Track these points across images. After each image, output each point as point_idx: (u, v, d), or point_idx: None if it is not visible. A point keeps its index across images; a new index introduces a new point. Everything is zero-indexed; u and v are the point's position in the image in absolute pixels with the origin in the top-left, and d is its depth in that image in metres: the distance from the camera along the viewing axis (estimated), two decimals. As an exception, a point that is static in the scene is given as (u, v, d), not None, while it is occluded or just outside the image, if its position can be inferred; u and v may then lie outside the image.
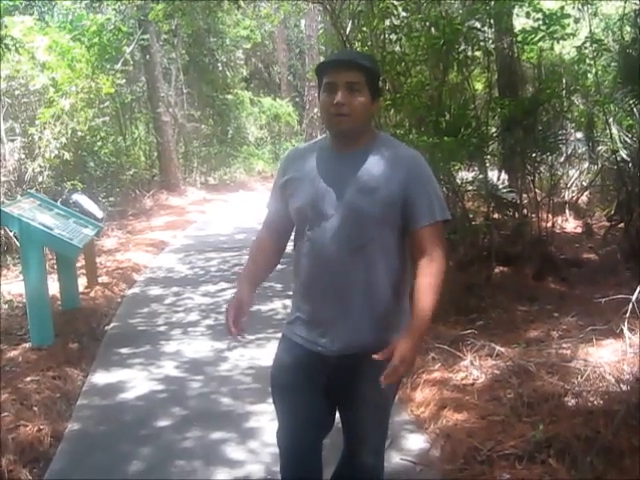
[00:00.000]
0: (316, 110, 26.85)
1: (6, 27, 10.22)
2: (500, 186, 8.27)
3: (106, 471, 4.01)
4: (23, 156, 11.14)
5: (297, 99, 31.12)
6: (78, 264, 8.42)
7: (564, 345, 5.20)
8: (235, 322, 2.68)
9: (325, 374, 2.65)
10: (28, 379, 5.34)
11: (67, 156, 11.57)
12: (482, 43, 7.46)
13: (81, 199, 10.71)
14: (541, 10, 7.17)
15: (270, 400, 2.83)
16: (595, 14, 11.58)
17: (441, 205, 2.60)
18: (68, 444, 4.42)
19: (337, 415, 2.81)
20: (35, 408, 4.81)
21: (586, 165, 11.92)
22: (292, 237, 2.78)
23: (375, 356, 2.42)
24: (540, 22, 7.05)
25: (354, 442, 2.80)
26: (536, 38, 7.23)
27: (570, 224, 10.18)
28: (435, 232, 2.57)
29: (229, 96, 24.78)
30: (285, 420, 2.74)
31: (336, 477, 2.94)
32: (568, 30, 7.27)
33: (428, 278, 2.51)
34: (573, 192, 10.96)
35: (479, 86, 9.18)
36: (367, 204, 2.50)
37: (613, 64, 9.77)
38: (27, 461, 4.11)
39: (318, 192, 2.56)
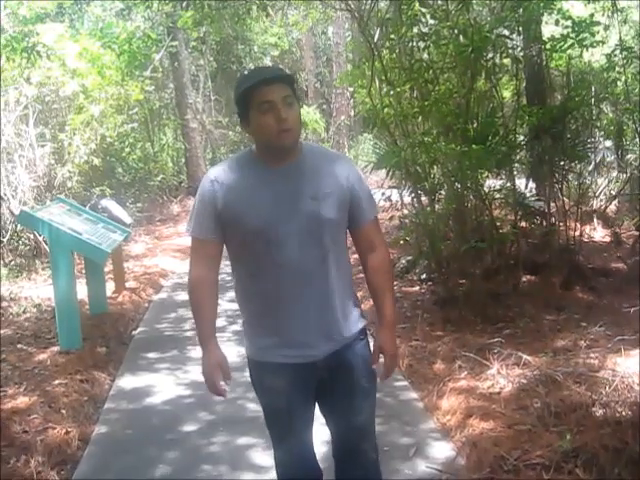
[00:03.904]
0: (343, 117, 26.85)
1: (38, 34, 10.33)
2: (528, 194, 8.23)
3: (132, 474, 4.04)
4: (53, 161, 11.26)
5: (324, 106, 31.14)
6: (106, 269, 8.49)
7: (592, 355, 5.16)
8: (219, 384, 2.69)
9: (314, 381, 2.72)
10: (56, 382, 5.40)
11: (96, 162, 11.67)
12: (510, 51, 7.43)
13: (109, 204, 10.81)
14: (570, 17, 7.13)
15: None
16: (625, 21, 11.50)
17: (375, 201, 2.85)
18: (95, 447, 4.46)
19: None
20: (63, 411, 4.87)
21: (615, 173, 11.82)
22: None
23: (374, 366, 2.74)
24: (569, 29, 7.00)
25: (354, 439, 2.83)
26: (565, 46, 7.19)
27: (598, 233, 10.09)
28: (378, 224, 2.83)
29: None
30: (289, 444, 2.80)
31: None
32: (597, 37, 7.20)
33: (384, 273, 2.78)
34: (601, 201, 10.85)
35: (507, 94, 9.13)
36: (327, 210, 2.57)
37: (643, 72, 9.69)
38: (55, 463, 4.15)
39: (275, 209, 2.54)
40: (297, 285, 2.58)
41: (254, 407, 4.87)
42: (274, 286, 2.59)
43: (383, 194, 8.25)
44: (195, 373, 5.82)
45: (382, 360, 2.79)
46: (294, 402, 2.71)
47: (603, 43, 7.72)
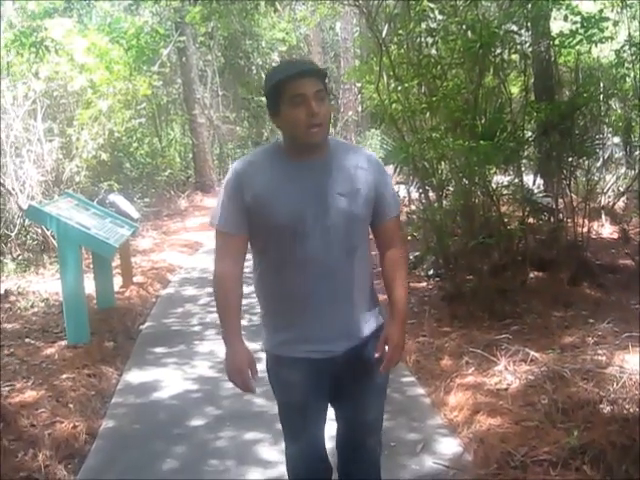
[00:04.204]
0: (351, 113, 26.82)
1: (46, 29, 10.35)
2: (536, 190, 8.21)
3: (140, 469, 4.05)
4: (61, 156, 11.28)
5: (332, 102, 31.13)
6: (114, 264, 8.50)
7: (599, 351, 5.14)
8: (249, 381, 2.66)
9: (331, 377, 2.71)
10: (64, 376, 5.41)
11: (104, 157, 11.70)
12: (519, 46, 7.39)
13: (117, 199, 10.84)
14: (579, 13, 7.10)
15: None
16: (634, 17, 11.44)
17: (398, 199, 2.87)
18: (103, 441, 4.47)
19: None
20: (71, 405, 4.88)
21: (623, 170, 11.79)
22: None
23: (377, 355, 2.64)
24: (578, 25, 6.98)
25: (362, 434, 2.85)
26: (574, 41, 7.16)
27: (606, 229, 10.07)
28: (398, 222, 2.85)
29: (264, 98, 24.87)
30: (302, 440, 2.81)
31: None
32: (606, 33, 7.17)
33: (400, 268, 2.77)
34: (609, 197, 10.81)
35: (515, 90, 9.11)
36: (353, 206, 2.56)
37: (652, 68, 9.66)
38: (63, 457, 4.17)
39: (301, 204, 2.52)
40: (320, 280, 2.56)
41: (261, 402, 4.89)
42: (297, 281, 2.58)
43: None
44: (202, 368, 5.85)
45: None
46: (309, 397, 2.71)
47: (612, 39, 7.69)
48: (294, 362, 2.65)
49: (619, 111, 10.75)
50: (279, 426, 4.36)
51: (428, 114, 7.51)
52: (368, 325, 2.72)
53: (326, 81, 2.57)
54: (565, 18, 7.29)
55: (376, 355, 2.64)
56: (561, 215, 8.02)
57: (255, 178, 2.56)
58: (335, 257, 2.56)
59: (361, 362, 2.69)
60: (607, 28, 7.22)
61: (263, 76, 24.57)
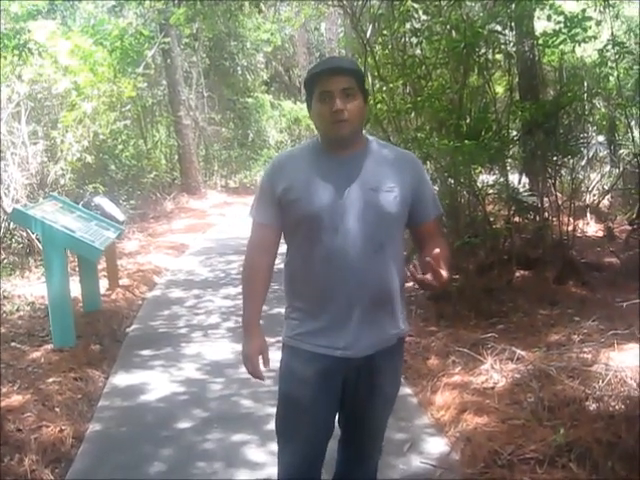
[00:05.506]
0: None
1: (29, 31, 10.30)
2: (521, 189, 8.23)
3: (127, 472, 4.03)
4: (45, 159, 11.23)
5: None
6: (99, 266, 8.47)
7: (585, 349, 5.17)
8: (259, 369, 2.69)
9: (343, 378, 2.65)
10: (50, 380, 5.37)
11: (89, 159, 11.65)
12: (503, 46, 7.43)
13: (103, 202, 10.77)
14: (562, 13, 7.14)
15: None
16: (617, 16, 11.53)
17: (438, 200, 2.82)
18: (89, 445, 4.45)
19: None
20: (57, 409, 4.85)
21: (607, 168, 11.87)
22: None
23: (428, 259, 2.37)
24: (561, 25, 7.01)
25: (364, 440, 2.84)
26: (557, 41, 7.20)
27: (591, 228, 10.12)
28: (439, 223, 2.87)
29: (249, 99, 24.88)
30: (302, 436, 2.70)
31: None
32: (590, 33, 7.21)
33: (445, 251, 2.58)
34: (594, 195, 10.88)
35: (500, 89, 9.15)
36: (386, 203, 2.54)
37: (635, 67, 9.73)
38: (49, 461, 4.13)
39: (331, 196, 2.52)
40: (345, 276, 2.52)
41: (248, 404, 4.90)
42: (322, 274, 2.55)
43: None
44: (189, 370, 5.83)
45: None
46: (317, 395, 2.63)
47: (595, 38, 7.73)
48: (309, 357, 2.60)
49: (603, 110, 10.82)
50: (266, 427, 4.41)
51: (413, 114, 7.53)
52: (392, 331, 2.66)
53: (362, 79, 2.59)
54: (548, 18, 7.34)
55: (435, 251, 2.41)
56: (546, 214, 8.06)
57: (288, 171, 2.61)
58: (362, 253, 2.51)
59: (374, 371, 2.64)
60: (590, 27, 7.26)
61: (248, 77, 24.62)
